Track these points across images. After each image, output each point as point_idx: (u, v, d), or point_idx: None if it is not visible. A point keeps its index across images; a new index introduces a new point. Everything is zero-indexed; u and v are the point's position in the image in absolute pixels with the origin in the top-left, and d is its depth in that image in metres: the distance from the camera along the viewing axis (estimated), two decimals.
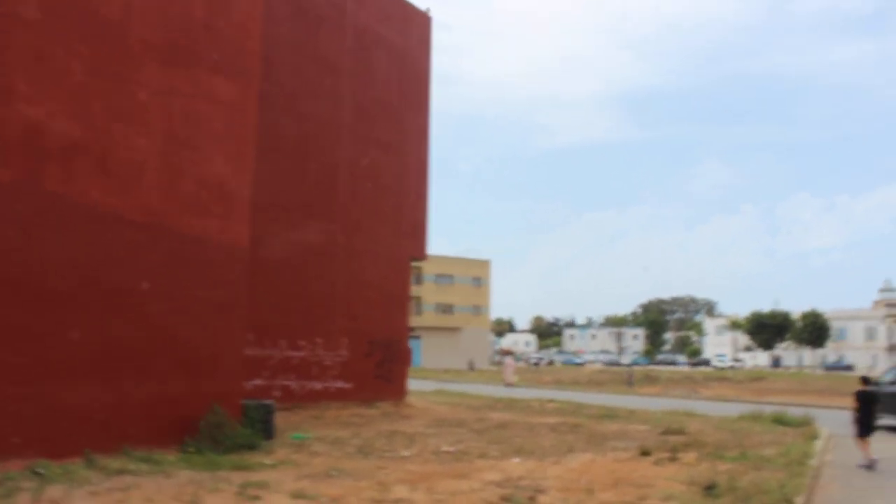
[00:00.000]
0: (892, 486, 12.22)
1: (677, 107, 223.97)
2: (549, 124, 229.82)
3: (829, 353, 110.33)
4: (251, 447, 12.64)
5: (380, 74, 24.21)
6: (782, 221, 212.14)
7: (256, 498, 8.89)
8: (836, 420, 24.41)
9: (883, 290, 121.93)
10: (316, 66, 22.16)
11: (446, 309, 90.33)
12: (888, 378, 22.48)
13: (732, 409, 25.05)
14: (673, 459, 13.16)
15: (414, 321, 77.98)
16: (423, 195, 25.40)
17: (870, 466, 13.73)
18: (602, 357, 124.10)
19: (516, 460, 12.71)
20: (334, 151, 22.56)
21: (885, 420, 19.70)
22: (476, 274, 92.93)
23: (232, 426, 12.77)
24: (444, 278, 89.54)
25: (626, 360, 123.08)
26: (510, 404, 25.90)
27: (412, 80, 25.52)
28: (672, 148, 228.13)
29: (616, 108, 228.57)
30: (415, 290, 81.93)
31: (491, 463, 12.31)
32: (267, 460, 11.77)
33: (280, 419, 15.82)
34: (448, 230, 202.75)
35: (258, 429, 13.48)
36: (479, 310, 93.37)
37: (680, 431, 17.59)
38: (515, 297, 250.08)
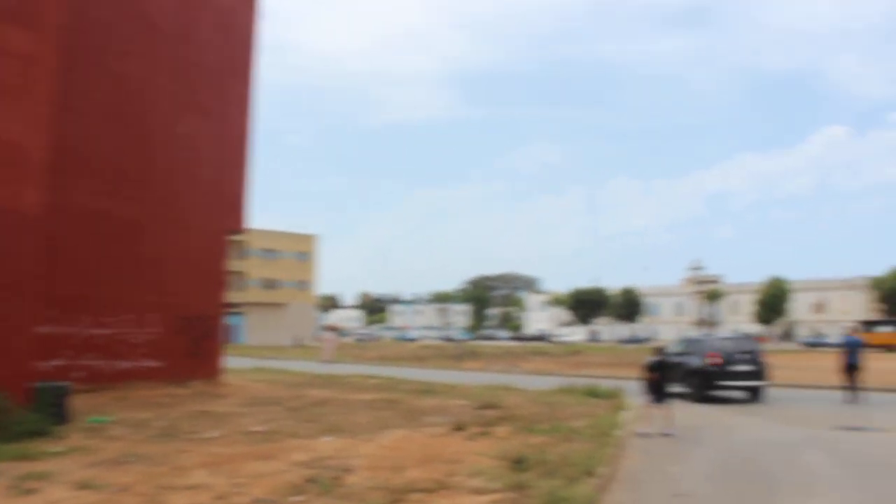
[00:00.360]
0: (688, 452, 12.74)
1: (509, 88, 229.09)
2: (384, 99, 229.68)
3: (643, 327, 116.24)
4: (41, 434, 11.67)
5: (202, 37, 23.07)
6: (603, 202, 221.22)
7: (33, 491, 8.12)
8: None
9: (691, 269, 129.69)
10: (133, 23, 20.84)
11: (272, 284, 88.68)
12: (675, 349, 24.44)
13: (550, 383, 25.63)
14: (486, 434, 13.22)
15: (238, 297, 76.26)
16: (244, 166, 24.44)
17: (667, 434, 14.42)
18: (431, 333, 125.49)
19: (328, 439, 12.38)
20: (149, 116, 21.33)
21: (671, 388, 20.92)
22: (302, 249, 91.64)
23: (19, 412, 11.77)
24: (269, 253, 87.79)
25: (451, 335, 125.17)
26: (330, 381, 25.51)
27: (237, 45, 24.44)
28: (502, 128, 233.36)
29: (450, 86, 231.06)
30: (239, 265, 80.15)
31: (301, 442, 11.92)
32: (56, 447, 10.88)
33: (81, 402, 14.80)
34: (277, 204, 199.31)
35: (50, 413, 12.50)
36: (304, 285, 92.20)
37: (496, 406, 17.77)
38: (344, 273, 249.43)
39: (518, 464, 9.94)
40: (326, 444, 11.76)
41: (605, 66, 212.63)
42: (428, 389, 22.37)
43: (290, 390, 21.73)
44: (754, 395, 22.71)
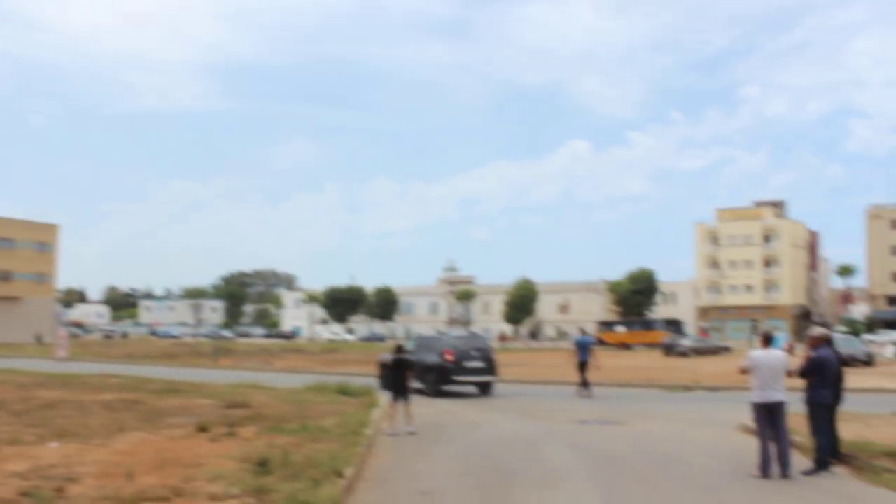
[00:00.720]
0: (436, 450, 12.83)
1: (268, 83, 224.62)
2: (136, 85, 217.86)
3: (398, 326, 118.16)
4: None
5: None
6: (361, 202, 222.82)
7: None
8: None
9: (446, 270, 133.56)
10: None
11: (5, 276, 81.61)
12: (411, 347, 24.90)
13: (303, 381, 25.17)
14: (230, 435, 12.66)
15: None
16: None
17: (412, 432, 14.52)
18: (184, 329, 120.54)
19: (54, 445, 11.34)
20: None
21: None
22: (42, 239, 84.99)
23: None
24: (2, 242, 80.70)
25: (207, 332, 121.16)
26: (66, 381, 23.67)
27: None
28: (261, 123, 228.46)
29: (207, 76, 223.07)
30: None
31: (21, 450, 10.81)
32: None
33: None
34: (13, 189, 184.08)
35: None
36: (44, 278, 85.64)
37: (244, 405, 17.16)
38: (91, 267, 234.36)
39: (261, 466, 9.53)
40: (51, 451, 10.74)
41: (368, 68, 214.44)
42: (173, 389, 21.31)
43: (19, 391, 19.92)
44: (485, 389, 24.07)
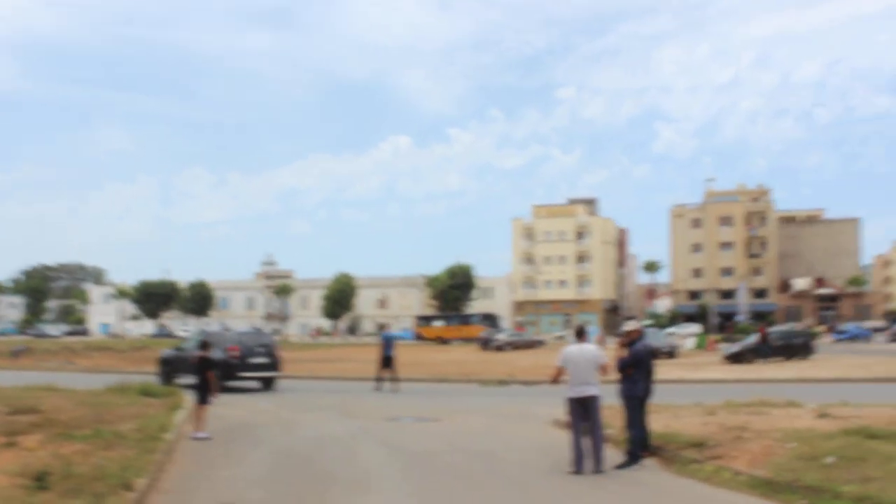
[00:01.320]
0: (244, 454, 12.07)
1: (76, 65, 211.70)
2: None
3: (213, 321, 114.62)
4: None
5: None
6: (176, 193, 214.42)
7: None
8: None
9: (264, 264, 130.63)
10: None
11: None
12: (190, 345, 24.90)
13: (105, 381, 23.62)
14: (10, 445, 11.42)
15: None
16: None
17: (208, 437, 13.56)
18: None
19: None
20: None
21: (185, 379, 22.88)
22: None
23: None
24: None
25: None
26: None
27: None
28: (65, 108, 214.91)
29: (7, 54, 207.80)
30: None
31: None
32: None
33: None
34: None
35: None
36: None
37: (33, 410, 15.63)
38: None
39: (39, 481, 8.52)
40: None
41: (185, 54, 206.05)
42: None
43: None
44: (268, 384, 24.29)
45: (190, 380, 22.03)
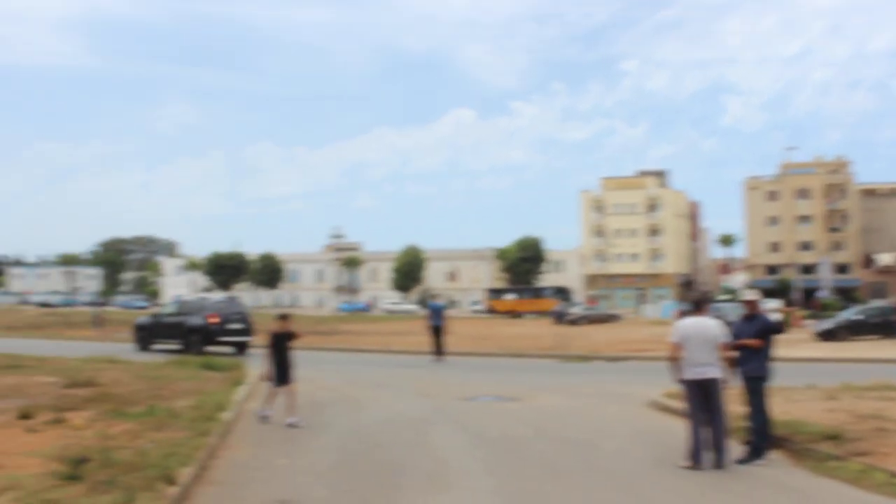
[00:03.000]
0: (309, 440, 10.74)
1: (144, 41, 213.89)
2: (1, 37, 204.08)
3: (283, 293, 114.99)
4: None
5: None
6: (245, 167, 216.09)
7: None
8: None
9: (332, 237, 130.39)
10: None
11: None
12: (168, 310, 27.95)
13: (168, 353, 23.09)
14: (57, 423, 10.43)
15: None
16: None
17: (297, 424, 12.05)
18: (56, 298, 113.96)
19: None
20: None
21: (162, 345, 26.13)
22: None
23: None
24: None
25: (81, 300, 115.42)
26: None
27: None
28: (136, 84, 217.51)
29: (75, 31, 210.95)
30: None
31: None
32: None
33: None
34: None
35: None
36: None
37: (91, 383, 14.78)
38: None
39: (74, 468, 7.41)
40: None
41: (251, 29, 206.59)
42: (14, 364, 18.67)
43: None
44: (241, 349, 25.84)
45: (165, 346, 25.80)
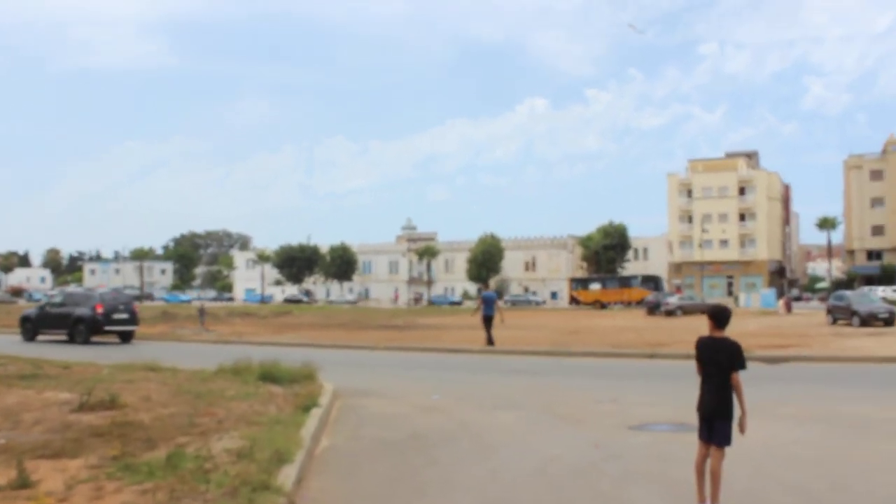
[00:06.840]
0: (409, 485, 6.53)
1: (220, 39, 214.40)
2: (82, 42, 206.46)
3: (356, 285, 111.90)
4: None
5: None
6: (319, 162, 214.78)
7: None
8: (354, 362, 19.88)
9: (405, 228, 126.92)
10: None
11: None
12: (55, 301, 29.00)
13: (227, 355, 18.74)
14: (22, 487, 6.38)
15: None
16: None
17: None
18: (131, 293, 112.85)
19: None
20: None
21: (48, 335, 27.46)
22: None
23: None
24: None
25: (156, 294, 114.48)
26: None
27: None
28: (212, 81, 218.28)
29: (155, 32, 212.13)
30: None
31: None
32: None
33: None
34: None
35: None
36: None
37: (111, 403, 10.75)
38: (33, 230, 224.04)
39: None
40: None
41: (322, 23, 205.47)
42: (33, 373, 14.91)
43: None
44: (126, 338, 27.55)
45: (51, 336, 27.18)
